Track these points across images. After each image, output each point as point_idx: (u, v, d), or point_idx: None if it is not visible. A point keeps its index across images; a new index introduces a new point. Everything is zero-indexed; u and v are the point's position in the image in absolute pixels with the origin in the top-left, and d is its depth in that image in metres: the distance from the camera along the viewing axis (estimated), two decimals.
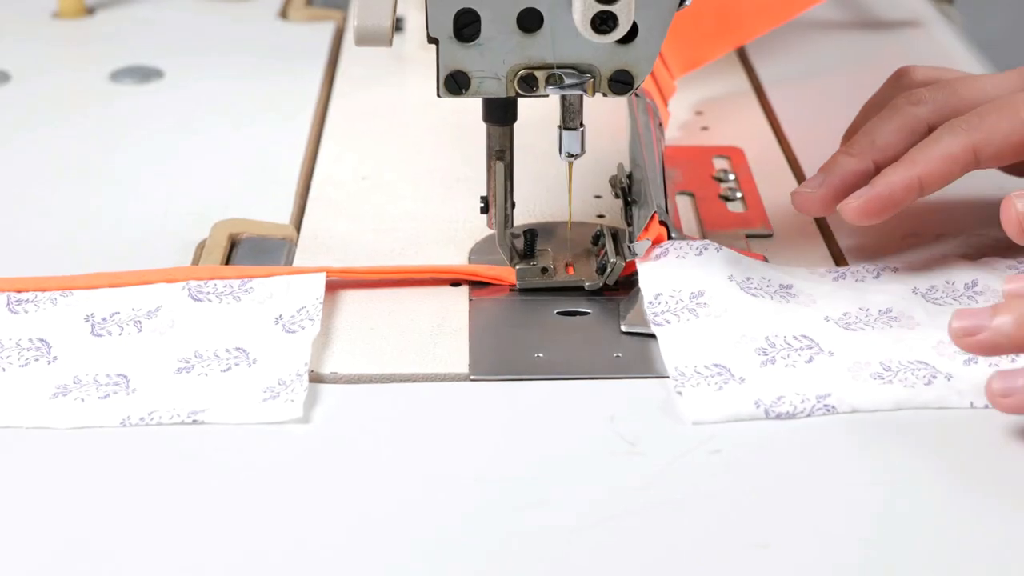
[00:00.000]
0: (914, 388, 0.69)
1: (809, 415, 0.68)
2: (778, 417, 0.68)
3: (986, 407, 0.68)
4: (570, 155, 0.77)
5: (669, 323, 0.73)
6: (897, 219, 0.78)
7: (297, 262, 0.81)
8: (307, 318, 0.74)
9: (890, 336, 0.73)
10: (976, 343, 0.67)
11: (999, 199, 0.74)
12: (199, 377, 0.71)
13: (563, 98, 0.76)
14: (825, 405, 0.68)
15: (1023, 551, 0.61)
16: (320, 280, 0.77)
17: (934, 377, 0.70)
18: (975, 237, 0.82)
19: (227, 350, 0.73)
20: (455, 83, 0.73)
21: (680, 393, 0.69)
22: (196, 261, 0.81)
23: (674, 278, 0.75)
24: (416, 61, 1.07)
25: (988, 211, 0.84)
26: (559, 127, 0.77)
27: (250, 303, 0.76)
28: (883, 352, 0.72)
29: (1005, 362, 0.70)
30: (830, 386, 0.69)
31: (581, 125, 0.77)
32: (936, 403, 0.69)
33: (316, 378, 0.72)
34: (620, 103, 0.90)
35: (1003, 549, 0.61)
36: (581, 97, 0.76)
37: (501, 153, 0.76)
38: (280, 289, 0.76)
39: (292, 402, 0.69)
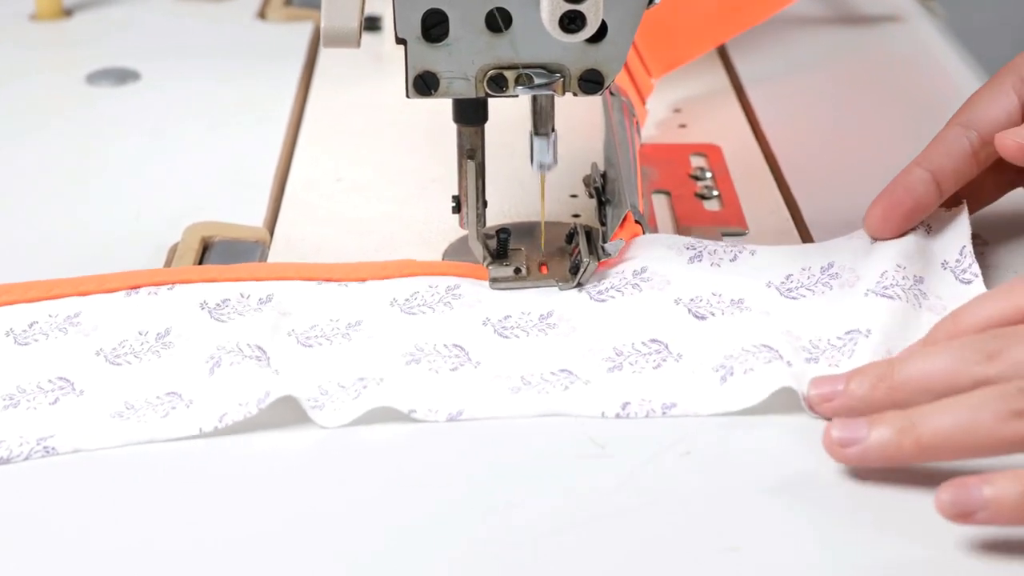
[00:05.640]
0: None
1: (27, 458, 0.65)
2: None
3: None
4: (542, 166, 0.76)
5: None
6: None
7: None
8: None
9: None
10: (832, 408, 0.66)
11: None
12: None
13: (534, 100, 0.75)
14: (44, 447, 0.66)
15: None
16: None
17: (321, 405, 0.68)
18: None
19: None
20: (424, 84, 0.73)
21: None
22: (168, 264, 0.81)
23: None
24: (394, 61, 1.05)
25: None
26: (531, 133, 0.76)
27: None
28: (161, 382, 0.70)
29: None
30: (54, 428, 0.67)
31: (552, 130, 0.75)
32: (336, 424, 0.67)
33: None
34: (595, 102, 0.90)
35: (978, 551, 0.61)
36: (552, 99, 0.75)
37: (472, 152, 0.76)
38: None
39: None
